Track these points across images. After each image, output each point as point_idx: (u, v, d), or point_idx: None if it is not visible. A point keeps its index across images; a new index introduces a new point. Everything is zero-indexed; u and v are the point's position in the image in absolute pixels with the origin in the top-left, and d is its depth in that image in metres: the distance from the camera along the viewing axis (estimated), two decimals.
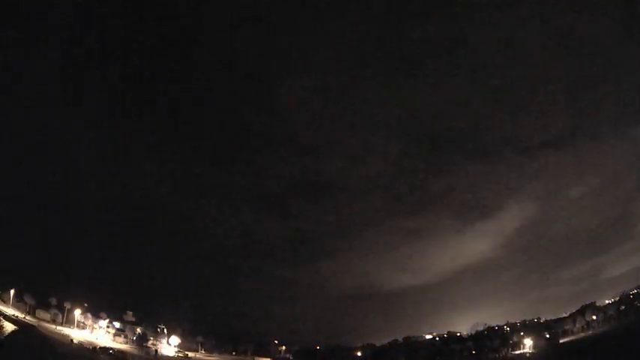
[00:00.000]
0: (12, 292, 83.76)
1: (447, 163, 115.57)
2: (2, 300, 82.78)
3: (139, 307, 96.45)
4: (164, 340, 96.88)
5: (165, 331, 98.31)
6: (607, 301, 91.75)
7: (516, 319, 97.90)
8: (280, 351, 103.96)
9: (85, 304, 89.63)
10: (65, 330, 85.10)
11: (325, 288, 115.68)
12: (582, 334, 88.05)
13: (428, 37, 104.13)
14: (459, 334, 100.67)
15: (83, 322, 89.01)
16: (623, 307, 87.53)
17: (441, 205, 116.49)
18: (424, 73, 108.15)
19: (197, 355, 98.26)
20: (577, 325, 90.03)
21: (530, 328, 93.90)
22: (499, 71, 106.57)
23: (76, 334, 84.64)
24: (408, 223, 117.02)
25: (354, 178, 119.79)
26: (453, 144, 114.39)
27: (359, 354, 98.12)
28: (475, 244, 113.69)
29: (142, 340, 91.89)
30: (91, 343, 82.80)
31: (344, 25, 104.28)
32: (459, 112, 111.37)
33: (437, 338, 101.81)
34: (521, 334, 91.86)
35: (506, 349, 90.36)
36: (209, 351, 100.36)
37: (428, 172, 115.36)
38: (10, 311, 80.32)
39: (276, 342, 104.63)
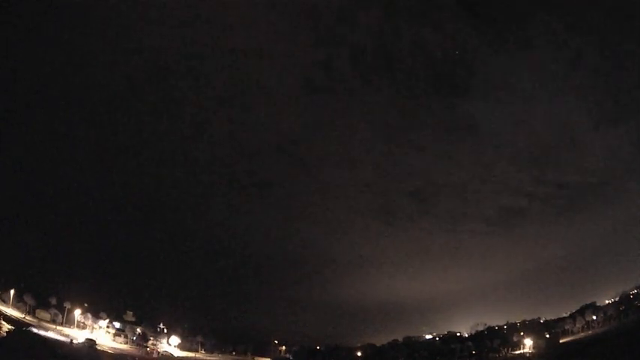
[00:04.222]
0: (12, 292, 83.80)
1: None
2: (2, 300, 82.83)
3: (139, 307, 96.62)
4: (164, 340, 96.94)
5: (165, 331, 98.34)
6: (607, 301, 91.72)
7: (516, 319, 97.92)
8: (280, 351, 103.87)
9: (85, 304, 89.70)
10: (65, 330, 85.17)
11: (325, 289, 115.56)
12: (582, 334, 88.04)
13: None
14: (459, 334, 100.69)
15: (83, 322, 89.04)
16: (623, 307, 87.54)
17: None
18: None
19: (197, 355, 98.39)
20: (577, 325, 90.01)
21: (530, 328, 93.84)
22: None
23: (76, 334, 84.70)
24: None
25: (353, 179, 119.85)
26: None
27: (359, 354, 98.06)
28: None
29: (142, 340, 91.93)
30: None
31: None
32: None
33: (437, 338, 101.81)
34: (521, 334, 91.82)
35: (506, 349, 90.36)
36: (209, 351, 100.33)
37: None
38: (10, 311, 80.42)
39: (276, 342, 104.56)
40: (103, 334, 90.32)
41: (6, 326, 72.86)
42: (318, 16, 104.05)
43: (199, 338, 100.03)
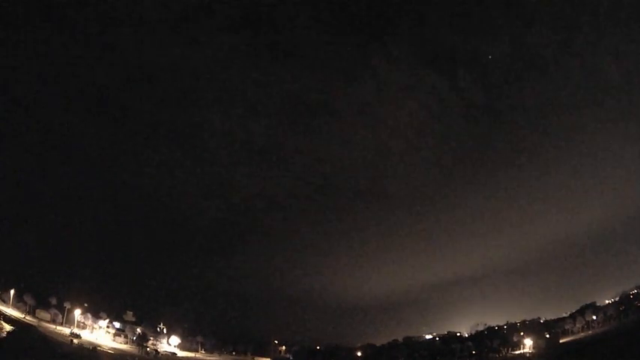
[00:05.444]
0: (12, 292, 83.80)
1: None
2: (2, 300, 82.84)
3: (139, 307, 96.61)
4: (164, 340, 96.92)
5: (165, 331, 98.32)
6: (607, 301, 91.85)
7: (516, 319, 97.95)
8: (280, 351, 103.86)
9: (85, 304, 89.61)
10: (65, 330, 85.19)
11: (325, 291, 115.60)
12: (582, 334, 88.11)
13: None
14: (459, 334, 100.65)
15: (83, 322, 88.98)
16: (623, 307, 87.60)
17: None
18: None
19: (197, 355, 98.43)
20: (577, 325, 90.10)
21: (530, 328, 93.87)
22: None
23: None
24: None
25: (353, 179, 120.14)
26: None
27: (359, 354, 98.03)
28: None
29: (142, 340, 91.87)
30: (91, 343, 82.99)
31: None
32: None
33: (437, 338, 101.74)
34: (521, 334, 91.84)
35: (506, 349, 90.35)
36: (209, 351, 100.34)
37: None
38: (10, 311, 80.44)
39: (276, 342, 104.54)
40: (103, 334, 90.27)
41: (6, 326, 72.77)
42: None
43: (199, 338, 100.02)
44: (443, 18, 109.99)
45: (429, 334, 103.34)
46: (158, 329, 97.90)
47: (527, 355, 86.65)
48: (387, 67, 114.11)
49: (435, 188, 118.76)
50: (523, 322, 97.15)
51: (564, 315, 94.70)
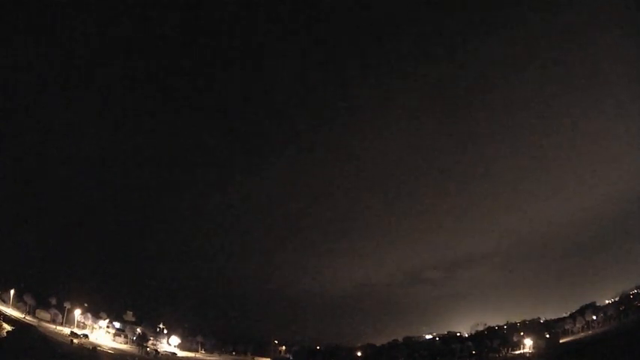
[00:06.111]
0: (12, 292, 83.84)
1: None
2: (2, 300, 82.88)
3: (139, 307, 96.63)
4: (164, 340, 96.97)
5: (165, 331, 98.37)
6: (607, 301, 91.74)
7: (516, 319, 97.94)
8: (280, 351, 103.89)
9: (85, 304, 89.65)
10: (65, 330, 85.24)
11: (325, 290, 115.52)
12: (582, 334, 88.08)
13: None
14: (459, 334, 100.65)
15: (83, 322, 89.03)
16: (623, 307, 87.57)
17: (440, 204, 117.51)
18: None
19: (197, 355, 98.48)
20: (577, 325, 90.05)
21: (530, 328, 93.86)
22: None
23: None
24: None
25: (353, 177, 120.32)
26: None
27: (359, 354, 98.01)
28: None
29: (142, 340, 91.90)
30: (91, 343, 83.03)
31: None
32: None
33: (437, 338, 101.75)
34: (521, 334, 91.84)
35: (506, 349, 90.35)
36: (209, 351, 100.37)
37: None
38: (10, 311, 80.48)
39: (276, 342, 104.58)
40: (103, 334, 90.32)
41: (6, 326, 72.81)
42: None
43: (199, 338, 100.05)
44: (442, 17, 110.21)
45: (429, 334, 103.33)
46: (158, 329, 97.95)
47: (527, 355, 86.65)
48: (385, 65, 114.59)
49: (434, 189, 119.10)
50: (523, 322, 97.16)
51: (564, 315, 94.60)
